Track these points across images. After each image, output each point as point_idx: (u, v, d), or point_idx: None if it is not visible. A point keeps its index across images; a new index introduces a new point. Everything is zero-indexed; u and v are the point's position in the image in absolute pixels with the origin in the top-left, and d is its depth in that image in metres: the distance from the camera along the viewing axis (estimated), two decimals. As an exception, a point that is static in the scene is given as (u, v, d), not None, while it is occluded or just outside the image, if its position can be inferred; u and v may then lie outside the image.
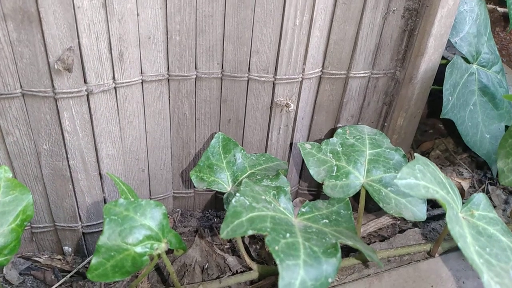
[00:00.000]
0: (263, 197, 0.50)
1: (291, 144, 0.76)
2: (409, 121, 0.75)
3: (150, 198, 0.78)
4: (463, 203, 0.52)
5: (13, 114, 0.60)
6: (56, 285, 0.68)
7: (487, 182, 0.85)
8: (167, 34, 0.62)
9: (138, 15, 0.59)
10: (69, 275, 0.70)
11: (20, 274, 0.70)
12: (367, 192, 0.59)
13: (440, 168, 0.86)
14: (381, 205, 0.56)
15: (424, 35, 0.67)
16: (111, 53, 0.60)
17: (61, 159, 0.65)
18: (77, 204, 0.70)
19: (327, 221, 0.51)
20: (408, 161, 0.85)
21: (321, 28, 0.65)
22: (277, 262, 0.42)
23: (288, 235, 0.45)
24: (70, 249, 0.74)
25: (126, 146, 0.69)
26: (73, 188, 0.68)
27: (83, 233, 0.73)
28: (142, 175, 0.74)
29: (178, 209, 0.82)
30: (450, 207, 0.45)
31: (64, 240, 0.73)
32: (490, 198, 0.81)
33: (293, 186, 0.82)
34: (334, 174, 0.60)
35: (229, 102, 0.70)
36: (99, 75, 0.60)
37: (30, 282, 0.69)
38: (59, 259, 0.73)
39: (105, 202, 0.72)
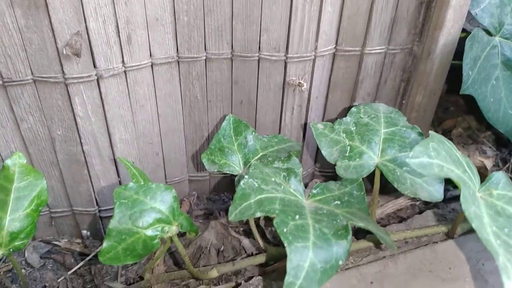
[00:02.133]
0: (273, 179, 0.49)
1: (305, 125, 0.74)
2: (429, 98, 0.72)
3: (166, 182, 0.78)
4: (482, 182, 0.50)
5: (26, 101, 0.60)
6: (75, 268, 0.69)
7: (511, 160, 0.82)
8: (174, 15, 0.61)
9: (144, -4, 0.58)
10: (87, 258, 0.71)
11: (40, 257, 0.72)
12: (382, 172, 0.57)
13: (463, 147, 0.83)
14: (395, 185, 0.54)
15: (442, 7, 0.64)
16: (119, 36, 0.59)
17: (75, 144, 0.65)
18: (93, 189, 0.70)
19: (338, 202, 0.50)
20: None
21: (333, 3, 0.63)
22: (285, 244, 0.41)
23: (297, 217, 0.44)
24: (88, 232, 0.75)
25: (139, 130, 0.69)
26: (88, 172, 0.68)
27: (100, 217, 0.74)
28: (157, 159, 0.74)
29: (194, 192, 0.82)
30: (465, 186, 0.42)
31: (82, 224, 0.75)
32: (515, 177, 0.78)
33: (309, 168, 0.81)
34: (347, 154, 0.58)
35: (241, 83, 0.69)
36: (108, 59, 0.60)
37: (51, 265, 0.70)
38: (78, 243, 0.75)
39: (120, 186, 0.73)
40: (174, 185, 0.79)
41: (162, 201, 0.51)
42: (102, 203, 0.72)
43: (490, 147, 0.85)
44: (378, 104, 0.68)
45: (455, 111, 0.92)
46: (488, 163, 0.79)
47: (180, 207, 0.80)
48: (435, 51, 0.67)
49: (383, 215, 0.71)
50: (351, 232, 0.44)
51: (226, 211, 0.78)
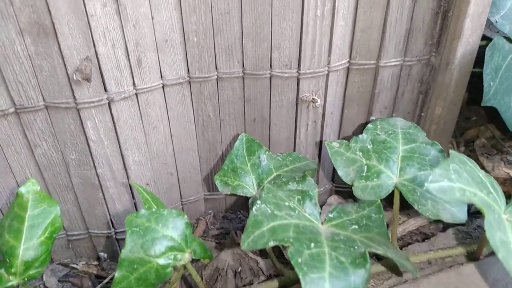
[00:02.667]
0: (287, 203, 0.48)
1: (321, 141, 0.73)
2: (449, 109, 0.70)
3: (181, 202, 0.77)
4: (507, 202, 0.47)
5: (39, 127, 0.60)
6: (92, 291, 0.69)
7: (540, 170, 0.78)
8: (184, 36, 0.61)
9: (152, 18, 0.58)
10: (104, 281, 0.71)
11: (59, 281, 0.71)
12: (401, 193, 0.54)
13: (487, 158, 0.80)
14: (416, 207, 0.52)
15: (459, 16, 0.61)
16: (129, 59, 0.59)
17: (89, 168, 0.65)
18: (108, 211, 0.70)
19: (356, 226, 0.48)
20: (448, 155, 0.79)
21: (345, 17, 0.61)
22: (300, 276, 0.39)
23: (312, 245, 0.43)
24: (105, 254, 0.75)
25: (152, 151, 0.68)
26: (103, 195, 0.68)
27: (116, 238, 0.74)
28: (171, 179, 0.73)
29: (210, 211, 0.81)
30: (490, 211, 0.40)
31: (99, 246, 0.74)
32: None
33: (326, 184, 0.79)
34: (364, 174, 0.56)
35: (253, 101, 0.67)
36: (118, 82, 0.59)
37: (68, 289, 0.70)
38: (95, 265, 0.74)
39: (135, 208, 0.72)
40: (190, 205, 0.78)
41: (174, 228, 0.49)
42: (118, 225, 0.72)
43: (515, 156, 0.81)
44: (395, 119, 0.66)
45: (477, 120, 0.89)
46: (515, 175, 0.76)
47: (197, 226, 0.79)
48: (453, 62, 0.64)
49: (405, 232, 0.69)
50: (369, 260, 0.42)
51: (243, 230, 0.76)
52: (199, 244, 0.52)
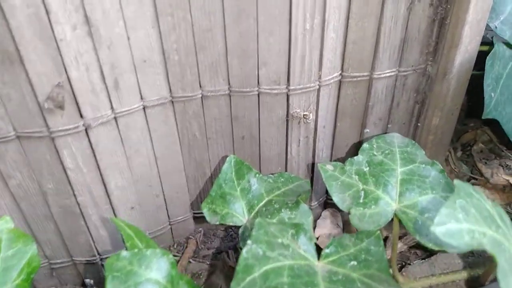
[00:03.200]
0: (279, 240, 0.44)
1: (313, 155, 0.69)
2: (446, 119, 0.67)
3: (169, 222, 0.74)
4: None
5: (11, 157, 0.56)
6: (79, 324, 0.66)
7: (540, 175, 0.76)
8: (164, 55, 0.56)
9: (128, 38, 0.53)
10: (91, 312, 0.67)
11: (43, 312, 0.68)
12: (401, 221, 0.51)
13: (485, 164, 0.77)
14: (417, 238, 0.49)
15: (457, 24, 0.58)
16: (105, 82, 0.55)
17: (68, 196, 0.61)
18: (92, 238, 0.66)
19: (355, 262, 0.45)
20: (447, 164, 0.76)
21: (336, 29, 0.57)
22: (297, 332, 0.36)
23: (309, 290, 0.40)
24: (91, 281, 0.72)
25: (136, 175, 0.65)
26: (85, 223, 0.64)
27: (102, 264, 0.70)
28: (157, 200, 0.70)
29: (200, 229, 0.78)
30: (501, 253, 0.37)
31: (85, 273, 0.71)
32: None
33: (320, 197, 0.76)
34: (361, 200, 0.53)
35: (241, 119, 0.64)
36: (95, 107, 0.55)
37: (53, 320, 0.67)
38: (82, 293, 0.71)
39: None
40: (178, 224, 0.75)
41: (159, 270, 0.46)
42: (103, 251, 0.68)
43: (514, 160, 0.79)
44: (392, 136, 0.62)
45: (473, 122, 0.86)
46: (514, 182, 0.73)
47: (186, 246, 0.76)
48: (451, 71, 0.61)
49: (403, 249, 0.66)
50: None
51: (235, 250, 0.73)
52: (187, 282, 0.48)
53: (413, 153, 0.58)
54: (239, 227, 0.56)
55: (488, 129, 0.82)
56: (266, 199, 0.58)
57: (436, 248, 0.47)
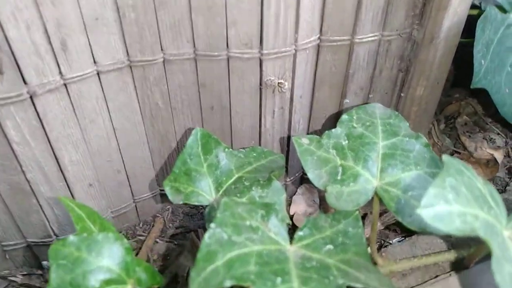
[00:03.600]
0: (248, 222, 0.39)
1: (289, 127, 0.64)
2: (432, 88, 0.62)
3: (134, 200, 0.68)
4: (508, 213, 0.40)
5: None
6: (34, 310, 0.60)
7: (525, 148, 0.73)
8: (118, 12, 0.49)
9: (76, -8, 0.46)
10: (47, 297, 0.62)
11: (-5, 297, 0.62)
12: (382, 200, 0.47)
13: (469, 137, 0.73)
14: (400, 218, 0.44)
15: (447, -18, 0.52)
16: (50, 43, 0.48)
17: (16, 173, 0.55)
18: (46, 218, 0.60)
19: (331, 247, 0.40)
20: (429, 137, 0.72)
21: (314, -15, 0.51)
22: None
23: (279, 280, 0.35)
24: (49, 263, 0.66)
25: (93, 148, 0.58)
26: (38, 202, 0.58)
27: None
28: (119, 176, 0.64)
29: (168, 207, 0.73)
30: (494, 238, 0.33)
31: (41, 255, 0.65)
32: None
33: (296, 173, 0.71)
34: (339, 177, 0.48)
35: (209, 86, 0.58)
36: (40, 72, 0.48)
37: (7, 306, 0.62)
38: (38, 276, 0.65)
39: (79, 211, 0.63)
40: (144, 202, 0.69)
41: (111, 256, 0.41)
42: (60, 231, 0.63)
43: (498, 133, 0.75)
44: (373, 106, 0.57)
45: (458, 93, 0.82)
46: (499, 156, 0.70)
47: (153, 225, 0.71)
48: (439, 36, 0.56)
49: (383, 226, 0.62)
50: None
51: (205, 229, 0.68)
52: (146, 268, 0.43)
53: (396, 125, 0.53)
54: (206, 206, 0.51)
55: (473, 101, 0.78)
56: (236, 176, 0.53)
57: (420, 231, 0.43)
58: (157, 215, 0.72)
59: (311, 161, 0.49)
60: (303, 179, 0.73)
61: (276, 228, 0.41)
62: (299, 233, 0.42)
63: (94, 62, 0.52)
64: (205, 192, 0.52)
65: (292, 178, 0.71)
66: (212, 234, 0.37)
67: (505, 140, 0.74)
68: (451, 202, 0.33)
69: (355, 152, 0.50)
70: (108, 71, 0.53)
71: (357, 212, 0.44)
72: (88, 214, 0.47)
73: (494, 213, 0.36)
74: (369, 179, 0.48)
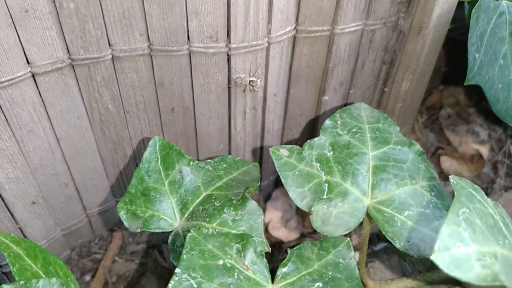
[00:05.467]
0: (221, 261, 0.33)
1: (263, 128, 0.57)
2: (417, 82, 0.56)
3: (86, 214, 0.60)
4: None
5: None
6: None
7: (508, 141, 0.69)
8: (54, 2, 0.40)
9: (-5, -24, 0.37)
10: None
11: None
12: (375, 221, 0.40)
13: (453, 131, 0.69)
14: (396, 244, 0.38)
15: (439, -36, 0.46)
16: (-31, 41, 0.38)
17: None
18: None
19: (320, 284, 0.34)
20: (412, 132, 0.67)
21: (290, -32, 0.44)
22: None
23: None
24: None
25: (33, 162, 0.50)
26: (-32, 228, 0.49)
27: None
28: (67, 190, 0.55)
29: (127, 218, 0.64)
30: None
31: (-21, 284, 0.56)
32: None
33: (271, 175, 0.64)
34: (325, 196, 0.42)
35: (168, 86, 0.50)
36: (-43, 76, 0.39)
37: None
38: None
39: (22, 233, 0.55)
40: (98, 216, 0.61)
41: (55, 310, 0.33)
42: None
43: (481, 125, 0.71)
44: (358, 108, 0.51)
45: (438, 80, 0.77)
46: (484, 151, 0.66)
47: (111, 241, 0.63)
48: (428, 25, 0.50)
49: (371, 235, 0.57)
50: None
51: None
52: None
53: (385, 130, 0.46)
54: (169, 233, 0.43)
55: (455, 89, 0.73)
56: (204, 194, 0.45)
57: (419, 258, 0.38)
58: (115, 228, 0.64)
59: (292, 178, 0.42)
60: (278, 182, 0.66)
61: (255, 265, 0.34)
62: (283, 269, 0.36)
63: (28, 62, 0.43)
64: (167, 215, 0.44)
65: (266, 182, 0.64)
66: (177, 283, 0.30)
67: (488, 132, 0.70)
68: (468, 242, 0.27)
69: (342, 166, 0.43)
70: (45, 72, 0.44)
71: (348, 239, 0.37)
72: (28, 250, 0.38)
73: (509, 243, 0.30)
74: (360, 198, 0.42)
